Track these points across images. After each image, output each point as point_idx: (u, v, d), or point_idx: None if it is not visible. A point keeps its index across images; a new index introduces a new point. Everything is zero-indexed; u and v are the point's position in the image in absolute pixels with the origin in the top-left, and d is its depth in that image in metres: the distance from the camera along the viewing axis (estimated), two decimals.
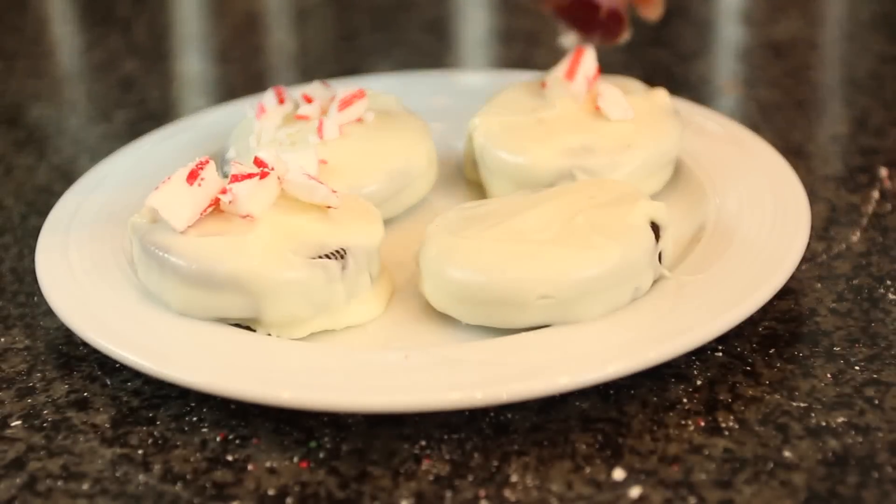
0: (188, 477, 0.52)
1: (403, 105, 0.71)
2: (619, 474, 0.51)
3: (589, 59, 0.68)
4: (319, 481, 0.51)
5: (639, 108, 0.67)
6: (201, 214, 0.57)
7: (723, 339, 0.57)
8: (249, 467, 0.52)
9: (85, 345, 0.60)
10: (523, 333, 0.56)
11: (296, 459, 0.52)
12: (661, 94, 0.69)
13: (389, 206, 0.66)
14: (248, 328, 0.57)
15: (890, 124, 0.79)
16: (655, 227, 0.58)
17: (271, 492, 0.51)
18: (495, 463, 0.52)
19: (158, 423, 0.55)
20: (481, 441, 0.53)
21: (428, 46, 0.98)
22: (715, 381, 0.56)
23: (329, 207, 0.58)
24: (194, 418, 0.55)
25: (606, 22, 0.69)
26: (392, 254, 0.62)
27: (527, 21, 1.02)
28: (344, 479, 0.51)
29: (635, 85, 0.70)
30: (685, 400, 0.55)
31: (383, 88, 0.73)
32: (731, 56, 0.96)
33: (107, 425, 0.55)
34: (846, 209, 0.69)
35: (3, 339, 0.61)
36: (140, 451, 0.53)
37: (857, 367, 0.56)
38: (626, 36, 0.70)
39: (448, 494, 0.50)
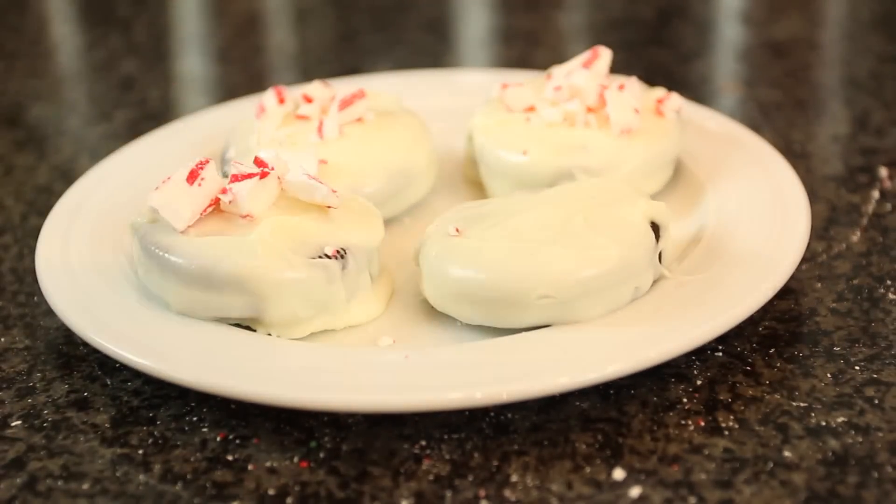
0: (188, 477, 0.52)
1: (403, 105, 0.71)
2: (619, 474, 0.51)
3: (602, 62, 0.67)
4: (319, 481, 0.51)
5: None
6: (201, 214, 0.57)
7: (723, 339, 0.57)
8: (249, 467, 0.52)
9: (85, 345, 0.60)
10: (523, 333, 0.56)
11: (296, 459, 0.52)
12: (661, 95, 0.69)
13: (389, 206, 0.66)
14: (249, 328, 0.57)
15: (890, 124, 0.79)
16: (655, 227, 0.58)
17: (271, 492, 0.51)
18: (495, 463, 0.52)
19: (158, 423, 0.55)
20: (481, 441, 0.53)
21: (428, 46, 0.98)
22: (715, 380, 0.56)
23: (329, 207, 0.58)
24: (194, 418, 0.55)
25: None
26: (392, 254, 0.62)
27: (527, 21, 1.02)
28: (344, 479, 0.51)
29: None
30: (685, 400, 0.55)
31: (383, 88, 0.73)
32: (731, 56, 0.96)
33: (107, 425, 0.55)
34: (846, 209, 0.69)
35: (3, 339, 0.61)
36: (140, 451, 0.53)
37: (857, 367, 0.56)
38: None
39: (448, 494, 0.50)
